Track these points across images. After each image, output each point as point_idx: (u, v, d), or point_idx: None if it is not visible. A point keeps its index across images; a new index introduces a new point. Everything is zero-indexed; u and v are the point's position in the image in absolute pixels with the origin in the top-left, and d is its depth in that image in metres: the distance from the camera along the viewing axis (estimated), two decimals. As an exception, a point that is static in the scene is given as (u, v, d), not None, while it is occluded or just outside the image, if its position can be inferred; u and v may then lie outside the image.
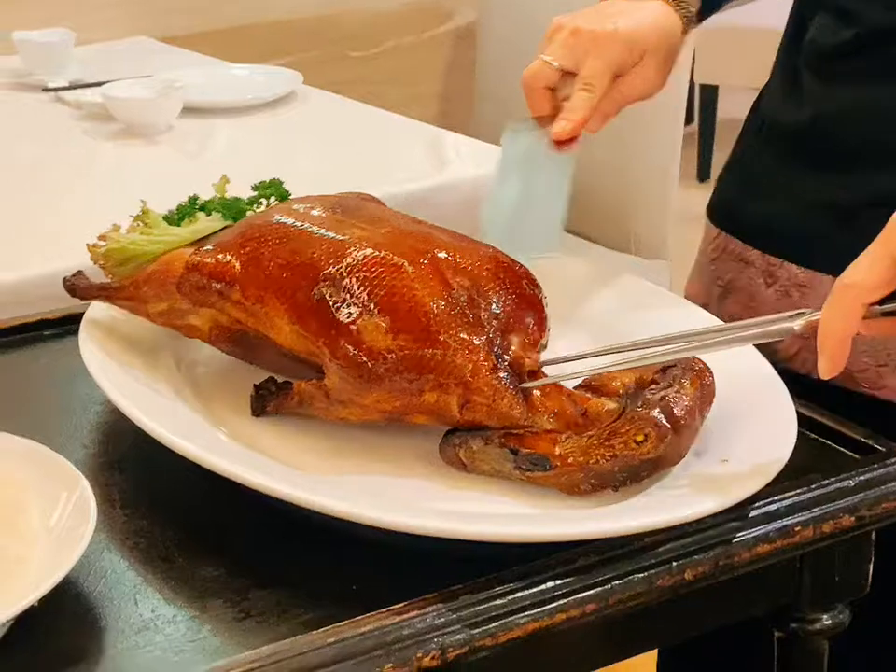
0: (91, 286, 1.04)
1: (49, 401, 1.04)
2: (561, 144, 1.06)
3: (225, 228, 1.01)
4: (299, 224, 0.95)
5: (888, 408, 1.06)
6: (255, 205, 1.05)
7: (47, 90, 2.26)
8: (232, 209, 1.04)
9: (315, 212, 0.97)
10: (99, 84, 2.15)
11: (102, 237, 1.02)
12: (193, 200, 1.05)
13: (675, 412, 0.84)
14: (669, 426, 0.84)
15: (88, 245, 1.02)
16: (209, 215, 1.03)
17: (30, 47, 2.33)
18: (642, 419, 0.84)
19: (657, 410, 0.84)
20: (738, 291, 1.14)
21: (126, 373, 0.96)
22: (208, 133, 2.11)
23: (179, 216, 1.04)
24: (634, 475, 0.84)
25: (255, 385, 0.95)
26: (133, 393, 0.92)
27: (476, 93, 2.91)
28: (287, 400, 0.92)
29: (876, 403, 1.07)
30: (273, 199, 1.06)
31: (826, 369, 0.81)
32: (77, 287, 1.04)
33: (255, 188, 1.07)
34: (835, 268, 1.08)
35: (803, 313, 0.85)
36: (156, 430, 0.86)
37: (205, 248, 0.97)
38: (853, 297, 0.80)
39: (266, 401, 0.94)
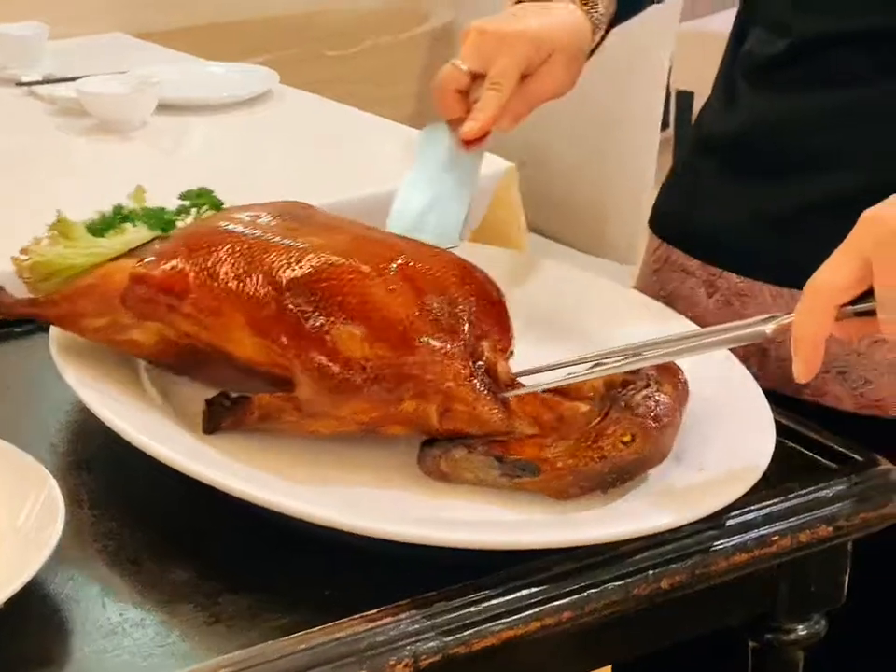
0: (15, 301, 0.99)
1: (17, 399, 1.02)
2: (470, 143, 1.07)
3: (155, 239, 0.97)
4: (250, 232, 0.92)
5: (830, 414, 1.07)
6: (182, 215, 1.01)
7: (20, 84, 2.24)
8: (159, 219, 0.99)
9: (263, 220, 0.94)
10: (73, 79, 2.13)
11: (24, 250, 0.98)
12: (118, 209, 1.00)
13: (658, 411, 0.84)
14: (655, 425, 0.84)
15: (12, 257, 0.98)
16: (135, 225, 0.99)
17: (3, 40, 2.30)
18: (628, 420, 0.84)
19: (641, 409, 0.84)
20: (680, 301, 1.15)
21: (96, 372, 0.94)
22: (183, 131, 2.10)
23: (103, 226, 0.99)
24: (622, 475, 0.84)
25: (206, 401, 0.91)
26: (102, 391, 0.91)
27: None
28: (245, 416, 0.89)
29: (820, 410, 1.07)
30: (205, 208, 1.01)
31: (801, 372, 0.81)
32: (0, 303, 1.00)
33: (183, 196, 1.02)
34: (774, 277, 1.10)
35: (775, 317, 0.85)
36: (128, 432, 0.85)
37: (150, 259, 0.93)
38: (825, 299, 0.80)
39: (220, 417, 0.90)
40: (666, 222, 1.21)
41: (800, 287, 0.83)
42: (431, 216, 1.06)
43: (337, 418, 0.86)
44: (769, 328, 0.84)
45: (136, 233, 0.98)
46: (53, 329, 0.97)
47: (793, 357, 0.81)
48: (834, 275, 0.80)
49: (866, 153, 1.06)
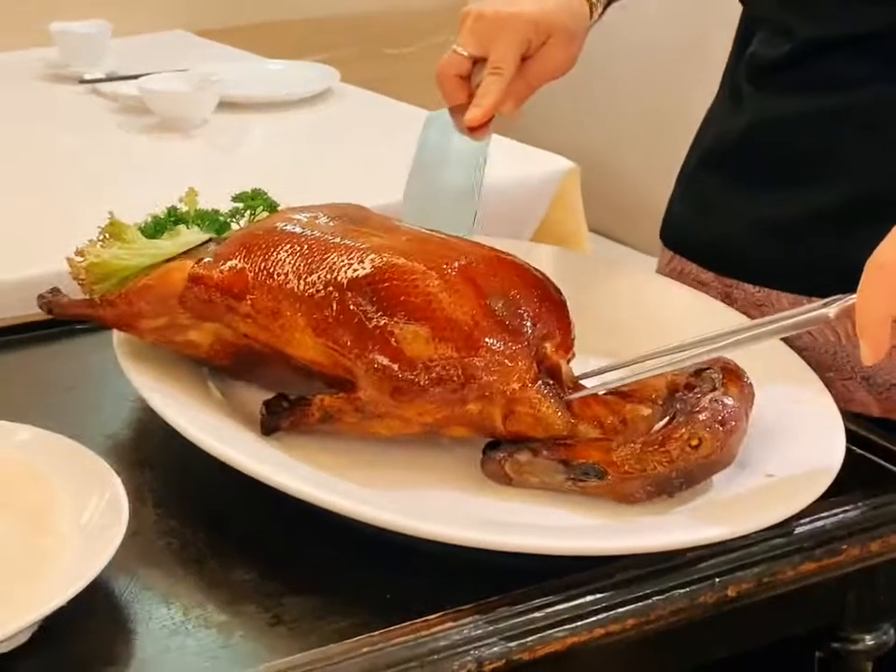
0: (70, 302, 0.99)
1: (82, 396, 1.03)
2: (474, 130, 1.06)
3: (210, 240, 0.97)
4: (309, 232, 0.91)
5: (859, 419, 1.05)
6: (236, 217, 1.01)
7: (83, 81, 2.26)
8: (213, 221, 0.99)
9: (321, 220, 0.94)
10: (136, 77, 2.14)
11: (79, 252, 0.98)
12: (171, 211, 1.00)
13: (725, 414, 0.84)
14: (722, 428, 0.83)
15: (67, 258, 0.98)
16: (188, 227, 0.99)
17: (67, 38, 2.32)
18: (695, 423, 0.83)
19: (707, 413, 0.84)
20: None
21: (159, 371, 0.94)
22: (243, 129, 2.11)
23: (157, 228, 0.99)
24: (689, 480, 0.83)
25: (265, 403, 0.90)
26: (166, 391, 0.91)
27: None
28: (305, 417, 0.88)
29: (850, 416, 1.06)
30: (260, 210, 1.01)
31: (868, 355, 0.79)
32: (54, 303, 1.00)
33: (236, 198, 1.02)
34: (790, 285, 1.08)
35: (836, 299, 0.83)
36: (192, 433, 0.85)
37: (208, 260, 0.93)
38: (888, 276, 0.78)
39: (279, 419, 0.89)
40: (677, 234, 1.21)
41: (820, 295, 0.82)
42: (443, 204, 1.06)
43: (401, 419, 0.86)
44: (832, 310, 0.83)
45: (191, 235, 0.98)
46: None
47: (860, 340, 0.79)
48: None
49: (873, 157, 1.04)
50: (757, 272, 1.11)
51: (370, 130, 2.15)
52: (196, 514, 0.86)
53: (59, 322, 1.09)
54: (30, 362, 1.08)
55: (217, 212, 1.01)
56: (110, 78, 2.24)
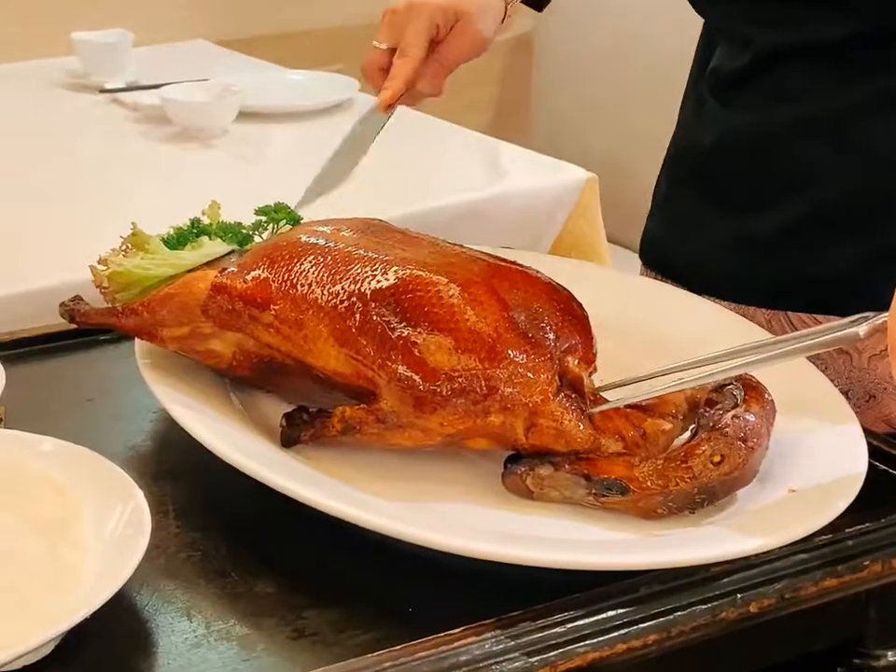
0: (93, 310, 1.00)
1: (103, 407, 1.03)
2: (388, 108, 1.16)
3: (233, 252, 0.98)
4: (332, 244, 0.92)
5: None
6: (259, 230, 1.01)
7: (104, 91, 2.27)
8: (235, 234, 1.00)
9: (344, 233, 0.94)
10: (156, 86, 2.15)
11: (102, 260, 0.98)
12: (195, 223, 1.01)
13: (747, 431, 0.84)
14: (744, 445, 0.83)
15: (90, 266, 0.99)
16: (211, 239, 0.99)
17: (88, 47, 2.33)
18: (718, 440, 0.83)
19: (730, 430, 0.84)
20: None
21: (180, 381, 0.94)
22: (264, 139, 2.11)
23: (179, 240, 0.99)
24: (711, 496, 0.83)
25: (285, 415, 0.90)
26: (188, 402, 0.91)
27: (532, 102, 2.90)
28: (326, 428, 0.88)
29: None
30: (283, 223, 1.01)
31: None
32: (76, 312, 1.00)
33: (259, 211, 1.02)
34: (766, 300, 1.08)
35: (866, 317, 0.83)
36: (215, 445, 0.85)
37: (231, 269, 0.93)
38: None
39: (300, 431, 0.89)
40: (654, 252, 1.22)
41: (795, 309, 0.82)
42: (331, 167, 1.16)
43: (423, 430, 0.86)
44: (862, 329, 0.83)
45: (214, 247, 0.98)
46: (138, 339, 0.98)
47: (891, 358, 0.79)
48: None
49: (838, 168, 1.05)
50: (732, 288, 1.12)
51: (389, 140, 2.15)
52: (218, 527, 0.86)
53: (80, 333, 1.10)
54: (51, 373, 1.08)
55: (240, 224, 1.01)
56: (131, 88, 2.25)
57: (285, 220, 1.02)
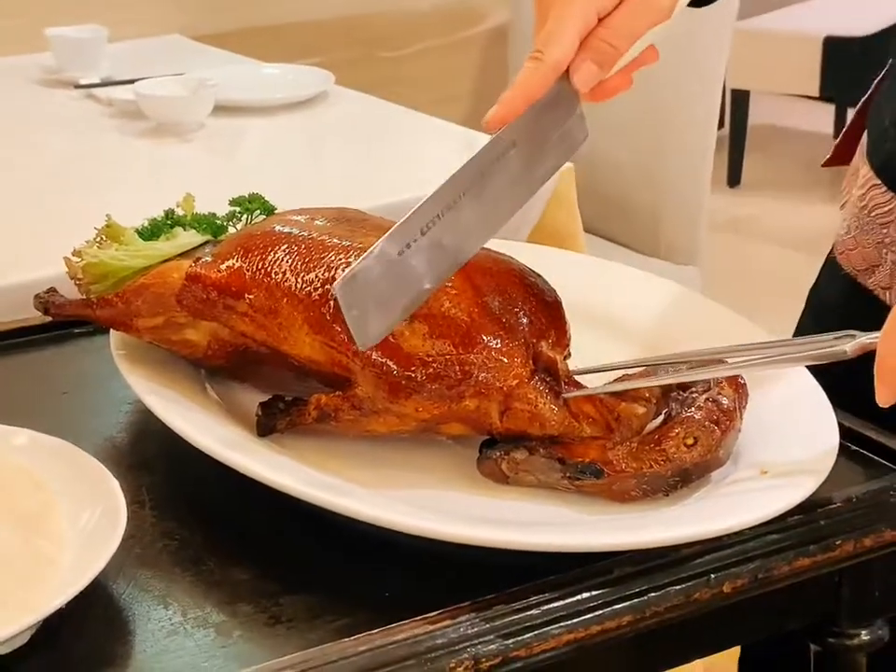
0: (66, 302, 1.00)
1: (78, 400, 1.03)
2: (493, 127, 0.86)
3: (207, 242, 0.98)
4: (306, 233, 0.92)
5: None
6: (233, 221, 1.01)
7: (79, 86, 2.27)
8: (210, 225, 1.00)
9: (318, 222, 0.94)
10: (131, 81, 2.15)
11: (76, 252, 0.98)
12: (169, 214, 1.01)
13: (720, 413, 0.85)
14: (717, 428, 0.84)
15: (65, 258, 0.99)
16: (185, 230, 0.99)
17: (62, 43, 2.33)
18: (691, 422, 0.84)
19: (703, 412, 0.85)
20: None
21: (156, 372, 0.94)
22: (239, 132, 2.12)
23: (153, 231, 0.99)
24: (685, 478, 0.84)
25: (260, 404, 0.90)
26: (163, 392, 0.91)
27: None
28: (302, 416, 0.89)
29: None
30: (257, 213, 1.01)
31: (886, 397, 0.79)
32: (51, 303, 1.00)
33: (234, 202, 1.02)
34: None
35: (853, 334, 0.83)
36: (190, 434, 0.85)
37: (206, 259, 0.93)
38: None
39: (275, 419, 0.90)
40: None
41: None
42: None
43: (398, 415, 0.86)
44: (849, 347, 0.83)
45: (188, 237, 0.98)
46: (113, 331, 0.98)
47: (877, 382, 0.79)
48: None
49: None
50: None
51: (365, 132, 2.16)
52: (193, 516, 0.87)
53: (54, 326, 1.10)
54: (25, 366, 1.08)
55: (214, 215, 1.01)
56: (106, 83, 2.25)
57: (259, 211, 1.02)
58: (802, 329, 1.21)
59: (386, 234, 0.81)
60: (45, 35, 2.34)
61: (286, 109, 2.19)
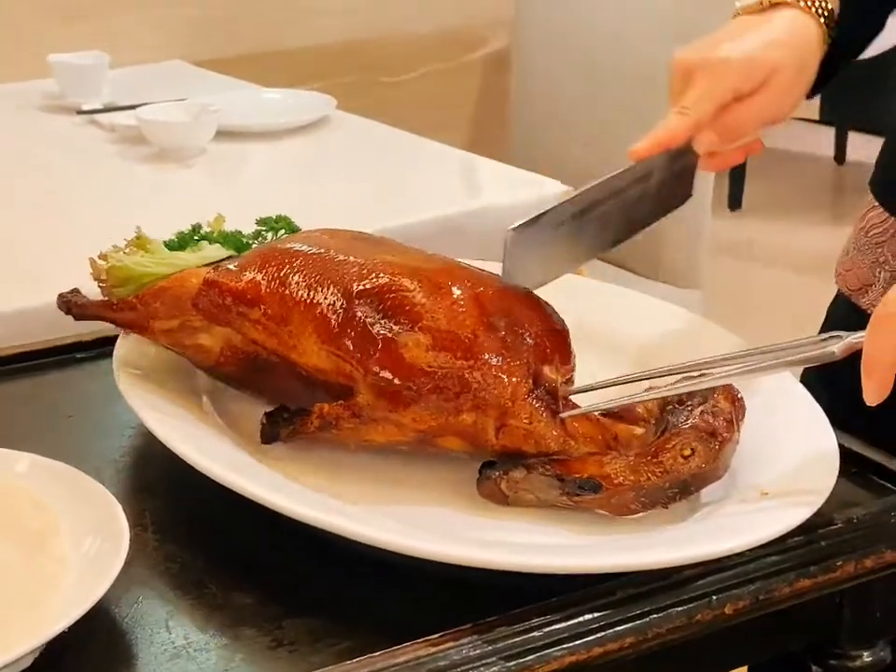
0: (88, 303, 1.02)
1: (82, 424, 1.03)
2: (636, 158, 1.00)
3: (230, 257, 0.99)
4: (324, 250, 0.94)
5: None
6: (258, 239, 1.04)
7: (81, 112, 2.27)
8: (235, 241, 1.02)
9: (337, 240, 0.96)
10: (133, 107, 2.15)
11: (103, 256, 1.00)
12: (196, 228, 1.04)
13: (717, 425, 0.85)
14: (714, 439, 0.84)
15: (90, 259, 1.00)
16: (211, 244, 1.02)
17: (65, 69, 2.34)
18: (688, 434, 0.85)
19: (700, 424, 0.85)
20: None
21: (159, 397, 0.95)
22: (242, 157, 2.12)
23: (180, 243, 1.02)
24: (683, 490, 0.84)
25: (266, 413, 0.93)
26: (166, 417, 0.92)
27: (509, 120, 2.91)
28: (304, 425, 0.90)
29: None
30: (282, 233, 1.04)
31: (873, 396, 0.80)
32: (73, 303, 1.02)
33: (260, 222, 1.05)
34: None
35: (839, 336, 0.84)
36: (191, 457, 0.86)
37: (225, 267, 0.96)
38: None
39: (279, 428, 0.92)
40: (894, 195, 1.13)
41: None
42: None
43: (396, 425, 0.87)
44: (837, 348, 0.84)
45: (212, 251, 1.01)
46: (116, 355, 0.99)
47: (864, 381, 0.80)
48: None
49: None
50: None
51: (367, 157, 2.16)
52: (196, 539, 0.87)
53: (57, 351, 1.11)
54: (29, 391, 1.08)
55: (240, 233, 1.04)
56: (108, 109, 2.25)
57: (284, 230, 1.05)
58: None
59: (567, 199, 0.95)
60: (47, 61, 2.35)
61: (287, 134, 2.20)
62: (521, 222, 0.92)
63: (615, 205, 0.99)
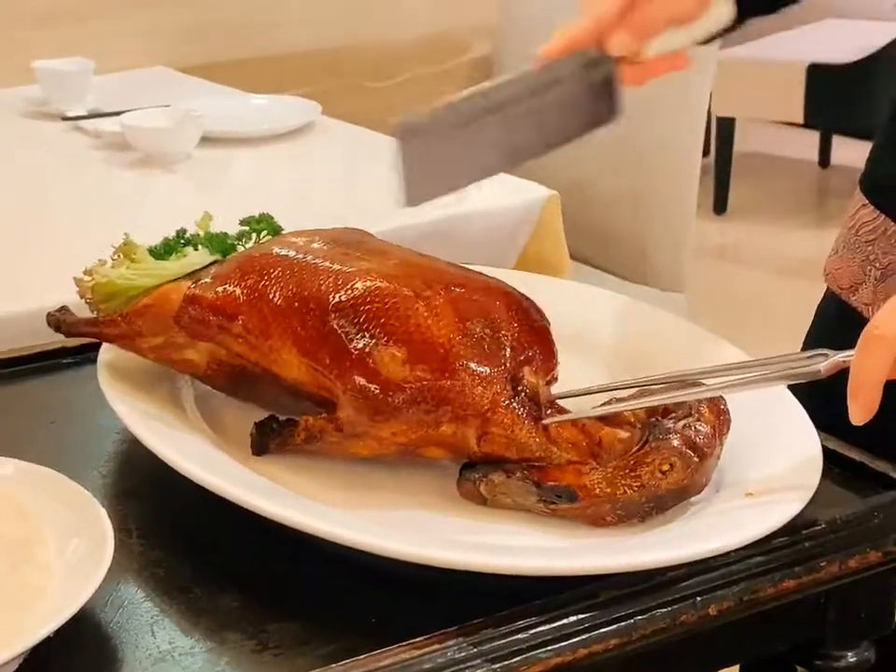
0: (77, 321, 1.01)
1: (66, 429, 1.03)
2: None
3: (215, 262, 0.99)
4: (301, 257, 0.93)
5: None
6: (243, 240, 1.04)
7: (66, 118, 2.27)
8: (220, 244, 1.02)
9: (316, 245, 0.96)
10: (118, 113, 2.15)
11: (87, 272, 1.00)
12: (181, 233, 1.04)
13: (698, 440, 0.85)
14: (694, 454, 0.84)
15: (75, 278, 1.00)
16: (196, 249, 1.01)
17: (49, 75, 2.34)
18: (667, 449, 0.84)
19: (680, 439, 0.85)
20: None
21: (144, 402, 0.95)
22: (227, 163, 2.12)
23: (166, 249, 1.02)
24: (660, 505, 0.84)
25: (255, 424, 0.92)
26: (150, 422, 0.92)
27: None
28: (291, 437, 0.90)
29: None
30: (264, 234, 1.04)
31: (859, 416, 0.80)
32: (62, 322, 1.02)
33: (244, 222, 1.05)
34: None
35: (825, 354, 0.84)
36: (176, 461, 0.85)
37: (204, 281, 0.95)
38: (887, 348, 0.79)
39: (268, 439, 0.91)
40: (885, 194, 1.14)
41: None
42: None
43: (377, 439, 0.87)
44: (823, 367, 0.84)
45: (196, 257, 1.00)
46: (101, 361, 0.98)
47: (850, 400, 0.80)
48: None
49: None
50: None
51: (352, 162, 2.16)
52: (181, 544, 0.87)
53: (42, 357, 1.11)
54: (13, 397, 1.08)
55: (225, 234, 1.04)
56: (92, 115, 2.25)
57: (266, 231, 1.05)
58: (805, 345, 1.23)
59: (450, 100, 0.87)
60: (32, 67, 2.35)
61: (272, 140, 2.20)
62: (407, 125, 0.86)
63: (525, 111, 0.93)
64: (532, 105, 0.93)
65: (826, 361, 0.84)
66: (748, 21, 1.05)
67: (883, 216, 1.13)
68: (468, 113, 0.89)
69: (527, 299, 0.93)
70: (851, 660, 0.88)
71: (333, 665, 0.73)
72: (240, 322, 0.91)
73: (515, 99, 0.92)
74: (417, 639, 0.75)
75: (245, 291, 0.92)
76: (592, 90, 0.96)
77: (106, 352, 1.00)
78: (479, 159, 0.92)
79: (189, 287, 0.95)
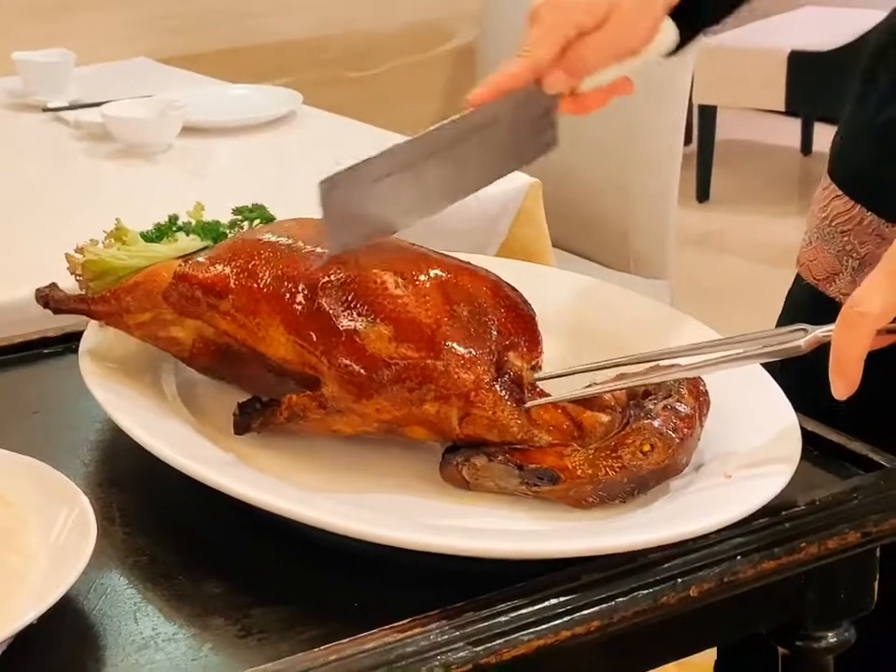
0: (65, 297, 1.02)
1: (48, 419, 1.03)
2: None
3: (206, 248, 1.00)
4: (292, 242, 0.94)
5: None
6: (235, 229, 1.05)
7: (46, 110, 2.27)
8: (212, 232, 1.03)
9: (307, 231, 0.96)
10: (98, 104, 2.15)
11: (79, 249, 1.01)
12: (173, 219, 1.04)
13: (678, 421, 0.85)
14: (674, 435, 0.84)
15: (66, 254, 1.01)
16: (188, 235, 1.02)
17: (30, 67, 2.33)
18: (647, 429, 0.85)
19: (661, 419, 0.85)
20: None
21: (126, 391, 0.95)
22: (208, 153, 2.12)
23: (157, 234, 1.03)
24: (641, 485, 0.85)
25: (239, 404, 0.93)
26: (133, 410, 0.92)
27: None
28: (274, 416, 0.91)
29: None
30: (257, 223, 1.05)
31: (841, 390, 0.81)
32: (50, 297, 1.03)
33: (236, 211, 1.06)
34: None
35: (804, 329, 0.85)
36: (158, 448, 0.86)
37: (194, 260, 0.96)
38: (867, 324, 0.80)
39: (251, 419, 0.92)
40: (859, 183, 1.14)
41: None
42: None
43: (360, 415, 0.88)
44: (804, 342, 0.84)
45: (188, 242, 1.01)
46: (83, 350, 0.99)
47: (832, 376, 0.81)
48: (876, 304, 0.80)
49: None
50: None
51: (333, 152, 2.16)
52: (164, 531, 0.87)
53: (23, 346, 1.11)
54: (-4, 387, 1.08)
55: (217, 223, 1.04)
56: (73, 106, 2.25)
57: (259, 219, 1.06)
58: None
59: (370, 157, 0.91)
60: (12, 59, 2.34)
61: (254, 130, 2.20)
62: (333, 175, 0.88)
63: (459, 153, 0.95)
64: (472, 143, 0.96)
65: (806, 336, 0.84)
66: (694, 41, 1.06)
67: (858, 206, 1.13)
68: (390, 166, 0.93)
69: (514, 289, 0.94)
70: (832, 640, 0.89)
71: (317, 650, 0.74)
72: (229, 300, 0.92)
73: (456, 140, 0.95)
74: (400, 623, 0.75)
75: (234, 270, 0.93)
76: (531, 124, 0.99)
77: (87, 341, 1.00)
78: (418, 200, 0.95)
79: (179, 265, 0.96)
